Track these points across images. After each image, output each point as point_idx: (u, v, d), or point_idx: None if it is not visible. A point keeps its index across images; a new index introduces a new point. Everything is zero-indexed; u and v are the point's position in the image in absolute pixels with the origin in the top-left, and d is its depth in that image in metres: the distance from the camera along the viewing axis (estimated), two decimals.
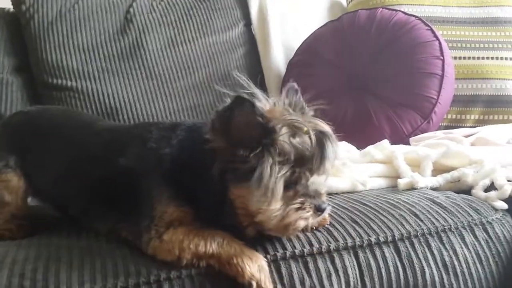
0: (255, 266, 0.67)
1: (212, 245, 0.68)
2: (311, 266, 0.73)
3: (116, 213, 0.77)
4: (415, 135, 1.33)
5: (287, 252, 0.73)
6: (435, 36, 1.44)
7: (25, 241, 0.81)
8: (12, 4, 1.54)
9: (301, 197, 0.69)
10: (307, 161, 0.68)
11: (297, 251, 0.73)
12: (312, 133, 0.68)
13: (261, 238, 0.73)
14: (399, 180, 0.98)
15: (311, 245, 0.74)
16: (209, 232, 0.69)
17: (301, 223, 0.69)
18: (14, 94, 1.45)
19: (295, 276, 0.71)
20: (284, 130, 0.67)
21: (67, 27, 1.52)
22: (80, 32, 1.52)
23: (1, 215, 0.88)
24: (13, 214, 0.88)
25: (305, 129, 0.68)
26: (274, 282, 0.69)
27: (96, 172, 0.82)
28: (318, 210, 0.70)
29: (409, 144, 1.26)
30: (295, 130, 0.68)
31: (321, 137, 0.70)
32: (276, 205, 0.67)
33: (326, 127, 0.73)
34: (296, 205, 0.68)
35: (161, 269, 0.69)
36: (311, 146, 0.68)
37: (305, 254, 0.73)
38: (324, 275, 0.72)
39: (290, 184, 0.68)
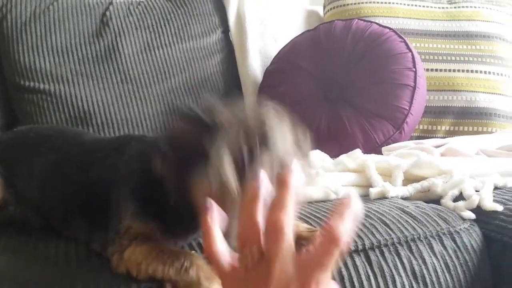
0: None
1: (170, 271, 0.65)
2: None
3: (91, 224, 0.76)
4: (387, 145, 1.35)
5: None
6: (408, 48, 1.47)
7: None
8: None
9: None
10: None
11: None
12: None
13: None
14: (370, 189, 0.99)
15: None
16: (171, 254, 0.66)
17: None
18: None
19: None
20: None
21: (41, 29, 1.49)
22: (55, 34, 1.49)
23: None
24: None
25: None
26: None
27: (76, 181, 0.81)
28: None
29: (381, 154, 1.28)
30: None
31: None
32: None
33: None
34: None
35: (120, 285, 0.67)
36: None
37: None
38: None
39: None
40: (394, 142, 1.36)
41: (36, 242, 0.80)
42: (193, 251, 0.71)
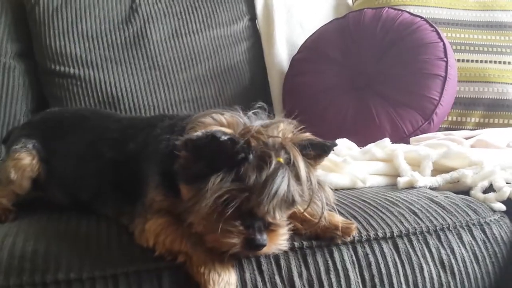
0: (222, 283, 0.64)
1: (186, 245, 0.67)
2: (309, 259, 0.73)
3: (123, 198, 0.78)
4: (415, 136, 1.33)
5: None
6: (440, 37, 1.44)
7: (25, 222, 0.81)
8: None
9: (237, 222, 0.63)
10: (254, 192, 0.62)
11: (296, 244, 0.73)
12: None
13: None
14: (398, 178, 0.98)
15: (310, 238, 0.75)
16: (189, 230, 0.67)
17: (224, 246, 0.64)
18: (16, 80, 1.44)
19: (293, 269, 0.72)
20: (252, 160, 0.63)
21: (71, 14, 1.51)
22: (85, 20, 1.51)
23: (4, 192, 0.90)
24: (15, 193, 0.90)
25: (276, 160, 0.63)
26: (274, 273, 0.70)
27: (111, 156, 0.83)
28: (250, 244, 0.64)
29: (409, 144, 1.26)
30: (262, 163, 0.63)
31: (275, 169, 0.62)
32: (202, 209, 0.63)
33: (295, 156, 0.65)
34: (226, 226, 0.63)
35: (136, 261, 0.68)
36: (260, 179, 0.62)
37: (304, 247, 0.74)
38: (322, 269, 0.73)
39: (230, 204, 0.63)
40: (422, 133, 1.34)
41: (68, 219, 0.82)
42: None
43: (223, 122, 0.68)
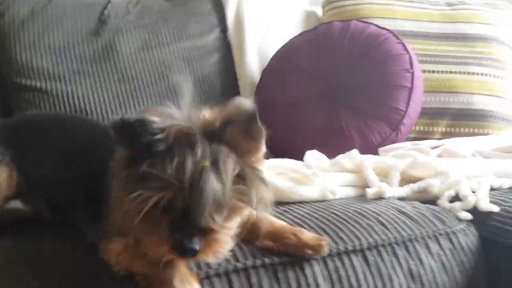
0: None
1: (145, 266, 0.64)
2: (280, 275, 0.73)
3: (93, 215, 0.74)
4: (384, 146, 1.35)
5: (257, 260, 0.73)
6: (406, 49, 1.47)
7: None
8: None
9: (164, 227, 0.60)
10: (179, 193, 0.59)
11: (267, 260, 0.73)
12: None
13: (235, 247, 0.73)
14: (367, 189, 0.99)
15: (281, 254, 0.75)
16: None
17: (154, 253, 0.61)
18: None
19: (265, 285, 0.71)
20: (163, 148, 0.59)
21: (38, 27, 1.49)
22: (52, 32, 1.49)
23: None
24: None
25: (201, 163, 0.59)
26: None
27: (82, 164, 0.80)
28: (179, 250, 0.60)
29: (378, 155, 1.28)
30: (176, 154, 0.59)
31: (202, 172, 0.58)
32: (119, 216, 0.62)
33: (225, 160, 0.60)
34: (152, 232, 0.60)
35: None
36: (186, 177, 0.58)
37: (275, 263, 0.73)
38: (293, 284, 0.73)
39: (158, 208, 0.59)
40: (391, 143, 1.36)
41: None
42: None
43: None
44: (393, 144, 1.34)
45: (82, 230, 0.79)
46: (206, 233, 0.61)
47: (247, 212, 0.66)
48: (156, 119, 0.60)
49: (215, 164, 0.59)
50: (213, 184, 0.58)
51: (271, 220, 0.75)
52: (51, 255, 0.74)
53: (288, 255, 0.74)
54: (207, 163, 0.58)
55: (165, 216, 0.60)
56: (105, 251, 0.68)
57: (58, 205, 0.86)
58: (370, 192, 0.98)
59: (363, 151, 1.19)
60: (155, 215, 0.60)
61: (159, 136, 0.59)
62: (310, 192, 0.97)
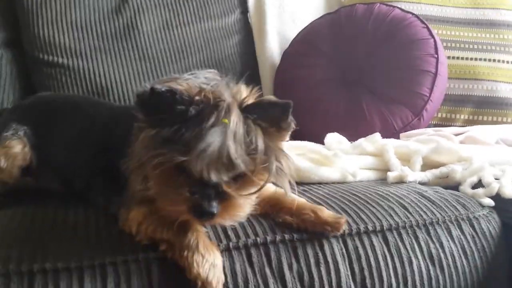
0: (206, 264, 0.64)
1: (168, 232, 0.66)
2: (299, 251, 0.73)
3: (112, 186, 0.76)
4: (405, 131, 1.33)
5: (277, 236, 0.73)
6: (431, 34, 1.45)
7: (12, 210, 0.80)
8: None
9: (184, 188, 0.62)
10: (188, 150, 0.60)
11: (286, 236, 0.73)
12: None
13: (255, 222, 0.74)
14: (388, 173, 0.98)
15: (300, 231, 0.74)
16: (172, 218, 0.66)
17: (171, 213, 0.64)
18: (3, 68, 1.42)
19: (284, 261, 0.72)
20: (192, 116, 0.60)
21: (61, 3, 1.49)
22: (74, 9, 1.49)
23: None
24: (4, 181, 0.88)
25: (216, 119, 0.60)
26: (264, 265, 0.70)
27: (100, 141, 0.82)
28: (196, 211, 0.62)
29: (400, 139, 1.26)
30: (201, 120, 0.60)
31: (210, 126, 0.59)
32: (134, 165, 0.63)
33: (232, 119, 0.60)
34: (173, 193, 0.62)
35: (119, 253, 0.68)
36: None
37: (295, 239, 0.73)
38: (312, 261, 0.73)
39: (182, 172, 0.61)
40: (412, 129, 1.34)
41: (55, 208, 0.81)
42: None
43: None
44: (415, 130, 1.32)
45: (101, 203, 0.80)
46: (224, 197, 0.62)
47: (267, 183, 0.66)
48: (184, 89, 0.61)
49: (236, 127, 0.60)
50: (219, 141, 0.58)
51: (292, 196, 0.74)
52: (75, 224, 0.74)
53: (306, 231, 0.74)
54: (227, 121, 0.59)
55: (186, 179, 0.61)
56: (125, 220, 0.69)
57: (72, 181, 0.87)
58: (391, 175, 0.97)
59: (384, 136, 1.18)
60: (176, 177, 0.61)
61: (187, 106, 0.60)
62: (330, 173, 0.97)
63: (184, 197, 0.61)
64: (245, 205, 0.66)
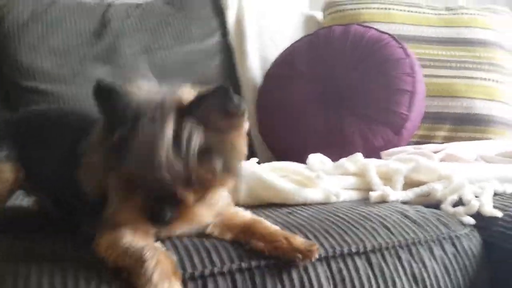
0: None
1: (128, 260, 0.64)
2: (284, 276, 0.73)
3: (96, 210, 0.72)
4: (386, 149, 1.35)
5: (261, 261, 0.73)
6: (406, 53, 1.48)
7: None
8: None
9: (138, 196, 0.62)
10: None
11: (271, 261, 0.73)
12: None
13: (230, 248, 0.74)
14: (371, 193, 0.99)
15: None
16: (138, 245, 0.65)
17: (124, 220, 0.64)
18: None
19: (268, 285, 0.72)
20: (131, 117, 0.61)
21: (41, 28, 1.49)
22: (54, 35, 1.49)
23: None
24: None
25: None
26: None
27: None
28: (150, 216, 0.62)
29: (381, 158, 1.28)
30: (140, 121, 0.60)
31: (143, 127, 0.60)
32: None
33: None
34: (126, 200, 0.63)
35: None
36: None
37: (279, 264, 0.74)
38: (297, 285, 0.73)
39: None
40: (393, 146, 1.36)
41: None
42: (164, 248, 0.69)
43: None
44: (395, 148, 1.34)
45: (82, 225, 0.78)
46: (181, 203, 0.63)
47: (216, 184, 0.66)
48: (131, 90, 0.62)
49: (178, 138, 0.60)
50: (170, 157, 0.59)
51: (265, 223, 0.75)
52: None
53: (278, 258, 0.73)
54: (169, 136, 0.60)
55: (140, 188, 0.62)
56: (97, 245, 0.68)
57: (60, 200, 0.86)
58: (373, 195, 0.98)
59: (365, 155, 1.19)
60: (131, 187, 0.62)
61: (129, 105, 0.61)
62: (314, 194, 0.98)
63: (138, 204, 0.62)
64: (203, 210, 0.66)
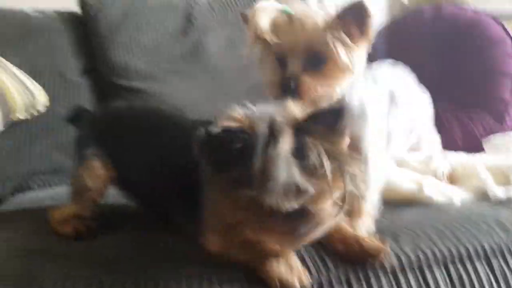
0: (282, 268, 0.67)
1: (252, 256, 0.69)
2: (402, 280, 0.72)
3: (191, 206, 0.75)
4: (487, 138, 1.28)
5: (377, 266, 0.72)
6: (506, 32, 1.39)
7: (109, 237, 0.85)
8: (80, 8, 1.57)
9: (274, 218, 0.62)
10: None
11: (387, 266, 0.73)
12: None
13: None
14: (488, 192, 0.94)
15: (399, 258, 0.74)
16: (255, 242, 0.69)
17: (267, 241, 0.67)
18: (83, 96, 1.49)
19: None
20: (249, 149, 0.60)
21: (131, 28, 1.54)
22: (146, 33, 1.54)
23: (83, 204, 0.89)
24: (94, 199, 0.89)
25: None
26: None
27: (178, 159, 0.80)
28: (290, 236, 0.65)
29: (482, 148, 1.22)
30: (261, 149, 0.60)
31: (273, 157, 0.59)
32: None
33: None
34: (257, 223, 0.64)
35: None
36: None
37: (396, 268, 0.73)
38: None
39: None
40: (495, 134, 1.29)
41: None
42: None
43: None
44: (497, 135, 1.26)
45: (178, 224, 0.81)
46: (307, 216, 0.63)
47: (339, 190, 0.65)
48: (238, 123, 0.62)
49: (299, 153, 0.59)
50: (292, 171, 0.58)
51: (344, 226, 0.75)
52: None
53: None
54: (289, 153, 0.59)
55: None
56: (208, 243, 0.71)
57: (150, 200, 0.89)
58: (491, 195, 0.92)
59: (465, 145, 1.14)
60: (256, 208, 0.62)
61: (245, 140, 0.60)
62: (438, 196, 0.93)
63: (274, 227, 0.63)
64: (327, 219, 0.66)
